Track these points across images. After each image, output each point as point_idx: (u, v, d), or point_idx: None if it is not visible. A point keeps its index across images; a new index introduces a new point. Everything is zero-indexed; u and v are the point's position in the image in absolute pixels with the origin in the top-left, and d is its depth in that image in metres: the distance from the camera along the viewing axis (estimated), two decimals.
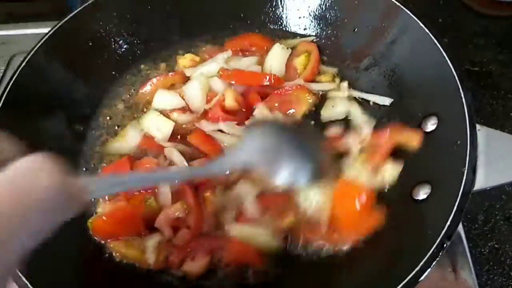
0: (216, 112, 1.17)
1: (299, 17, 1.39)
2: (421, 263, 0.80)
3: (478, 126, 0.93)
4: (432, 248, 0.81)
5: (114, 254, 1.05)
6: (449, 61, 1.01)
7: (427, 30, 1.06)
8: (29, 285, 0.83)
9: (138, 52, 1.37)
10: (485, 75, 1.83)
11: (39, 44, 1.16)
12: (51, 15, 1.86)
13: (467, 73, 1.82)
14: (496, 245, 1.38)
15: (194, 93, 1.23)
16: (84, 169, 1.19)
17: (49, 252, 0.88)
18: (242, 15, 1.41)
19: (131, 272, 1.02)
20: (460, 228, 1.17)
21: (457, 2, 1.96)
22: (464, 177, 0.87)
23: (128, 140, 1.19)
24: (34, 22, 1.70)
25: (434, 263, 0.80)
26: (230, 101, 1.17)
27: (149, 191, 1.08)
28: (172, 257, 1.01)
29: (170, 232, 1.03)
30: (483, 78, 1.81)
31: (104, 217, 1.05)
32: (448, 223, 0.82)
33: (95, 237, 1.06)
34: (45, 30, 1.50)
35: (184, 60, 1.33)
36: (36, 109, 1.15)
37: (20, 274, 0.83)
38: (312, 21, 1.37)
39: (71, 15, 1.22)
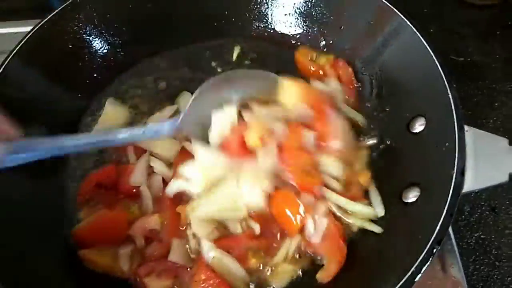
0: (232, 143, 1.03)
1: (285, 14, 1.37)
2: (413, 268, 0.80)
3: (466, 128, 0.93)
4: (423, 254, 0.81)
5: (84, 263, 1.02)
6: (436, 61, 1.01)
7: (415, 31, 1.06)
8: None
9: (121, 53, 1.34)
10: (470, 65, 1.84)
11: (16, 49, 1.12)
12: (30, 12, 1.81)
13: (452, 64, 1.83)
14: (482, 236, 1.41)
15: None
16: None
17: (30, 266, 0.91)
18: (226, 12, 1.38)
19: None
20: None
21: None
22: (453, 181, 0.87)
23: None
24: (12, 21, 1.63)
25: (424, 268, 0.81)
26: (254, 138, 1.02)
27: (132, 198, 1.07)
28: (140, 268, 0.99)
29: (142, 242, 1.01)
30: (468, 69, 1.82)
31: (88, 225, 1.03)
32: (438, 227, 0.83)
33: (78, 246, 1.02)
34: (23, 29, 1.46)
35: None
36: (16, 118, 1.10)
37: None
38: (297, 18, 1.35)
39: (48, 17, 1.18)
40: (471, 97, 1.74)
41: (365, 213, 1.01)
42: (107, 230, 1.03)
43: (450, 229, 1.19)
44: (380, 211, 1.00)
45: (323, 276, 0.96)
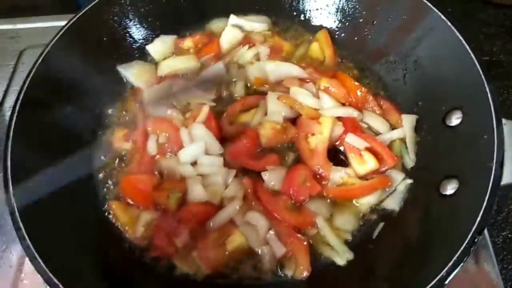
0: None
1: (317, 9, 1.37)
2: (454, 258, 0.81)
3: (503, 121, 0.93)
4: (464, 244, 0.81)
5: (110, 214, 1.09)
6: (473, 55, 1.01)
7: (451, 25, 1.05)
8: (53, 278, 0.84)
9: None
10: (495, 64, 1.82)
11: (54, 41, 1.13)
12: (53, 7, 1.85)
13: None
14: (509, 235, 1.40)
15: None
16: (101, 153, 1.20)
17: (70, 243, 0.95)
18: (257, 7, 1.39)
19: (150, 268, 1.03)
20: None
21: None
22: (493, 172, 0.87)
23: None
24: (41, 16, 1.66)
25: (466, 258, 0.81)
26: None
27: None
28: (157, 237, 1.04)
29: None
30: (493, 68, 1.80)
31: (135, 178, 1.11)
32: (479, 218, 0.83)
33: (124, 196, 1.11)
34: (53, 24, 1.50)
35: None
36: (55, 102, 1.14)
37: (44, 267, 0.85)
38: (330, 13, 1.36)
39: (84, 9, 1.20)
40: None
41: (338, 250, 1.02)
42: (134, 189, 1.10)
43: None
44: (348, 255, 1.01)
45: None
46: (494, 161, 0.88)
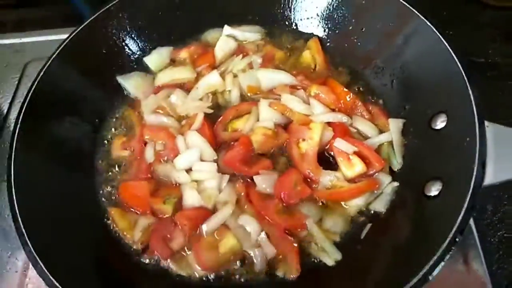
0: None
1: (307, 18, 1.41)
2: (435, 257, 0.83)
3: (486, 123, 0.96)
4: (445, 243, 0.84)
5: (108, 220, 1.14)
6: (457, 60, 1.04)
7: (435, 30, 1.09)
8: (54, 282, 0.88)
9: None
10: (491, 66, 1.83)
11: (55, 54, 1.20)
12: (58, 20, 1.91)
13: (472, 65, 1.83)
14: (505, 235, 1.40)
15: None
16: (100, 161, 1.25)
17: (72, 249, 1.00)
18: (250, 17, 1.44)
19: (147, 271, 1.07)
20: (471, 220, 1.19)
21: None
22: (474, 173, 0.89)
23: None
24: (46, 30, 1.73)
25: (447, 257, 0.83)
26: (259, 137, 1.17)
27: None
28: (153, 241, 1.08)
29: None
30: (489, 70, 1.82)
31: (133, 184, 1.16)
32: (460, 218, 0.85)
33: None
34: (57, 37, 1.56)
35: None
36: (56, 113, 1.20)
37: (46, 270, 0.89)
38: (320, 22, 1.40)
39: (84, 24, 1.26)
40: (491, 97, 1.73)
41: (328, 251, 1.05)
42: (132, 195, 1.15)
43: (472, 224, 1.20)
44: (336, 256, 1.04)
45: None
46: (476, 162, 0.91)
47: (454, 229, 0.85)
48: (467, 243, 1.17)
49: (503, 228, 1.42)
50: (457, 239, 0.84)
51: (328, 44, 1.39)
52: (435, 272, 0.83)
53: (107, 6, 1.29)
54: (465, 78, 1.01)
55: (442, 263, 0.83)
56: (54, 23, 1.85)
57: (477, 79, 1.79)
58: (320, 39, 1.38)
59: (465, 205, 0.87)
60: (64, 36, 1.24)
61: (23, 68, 1.64)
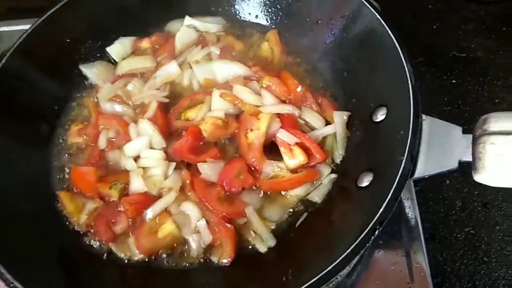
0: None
1: (268, 10, 1.43)
2: (353, 246, 0.84)
3: (423, 116, 0.96)
4: (364, 232, 0.85)
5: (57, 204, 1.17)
6: (400, 52, 1.03)
7: (379, 18, 1.08)
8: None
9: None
10: (472, 60, 1.82)
11: (15, 46, 1.24)
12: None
13: (454, 60, 1.82)
14: (472, 231, 1.41)
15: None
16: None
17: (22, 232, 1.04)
18: (213, 9, 1.47)
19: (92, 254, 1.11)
20: (417, 213, 1.20)
21: None
22: (402, 166, 0.90)
23: None
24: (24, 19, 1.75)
25: (366, 246, 0.85)
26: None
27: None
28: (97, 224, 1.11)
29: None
30: (470, 64, 1.80)
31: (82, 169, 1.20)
32: (381, 209, 0.86)
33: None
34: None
35: None
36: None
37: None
38: (279, 14, 1.41)
39: (46, 14, 1.30)
40: (471, 92, 1.73)
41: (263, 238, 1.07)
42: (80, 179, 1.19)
43: (418, 219, 1.20)
44: (271, 243, 1.07)
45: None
46: (405, 154, 0.91)
47: (374, 220, 0.86)
48: (410, 236, 1.17)
49: (471, 225, 1.43)
50: (376, 231, 0.86)
51: (286, 36, 1.39)
52: (354, 261, 0.85)
53: None
54: (406, 70, 1.00)
55: (359, 255, 0.85)
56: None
57: (457, 74, 1.80)
58: (278, 31, 1.39)
59: (389, 197, 0.87)
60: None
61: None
